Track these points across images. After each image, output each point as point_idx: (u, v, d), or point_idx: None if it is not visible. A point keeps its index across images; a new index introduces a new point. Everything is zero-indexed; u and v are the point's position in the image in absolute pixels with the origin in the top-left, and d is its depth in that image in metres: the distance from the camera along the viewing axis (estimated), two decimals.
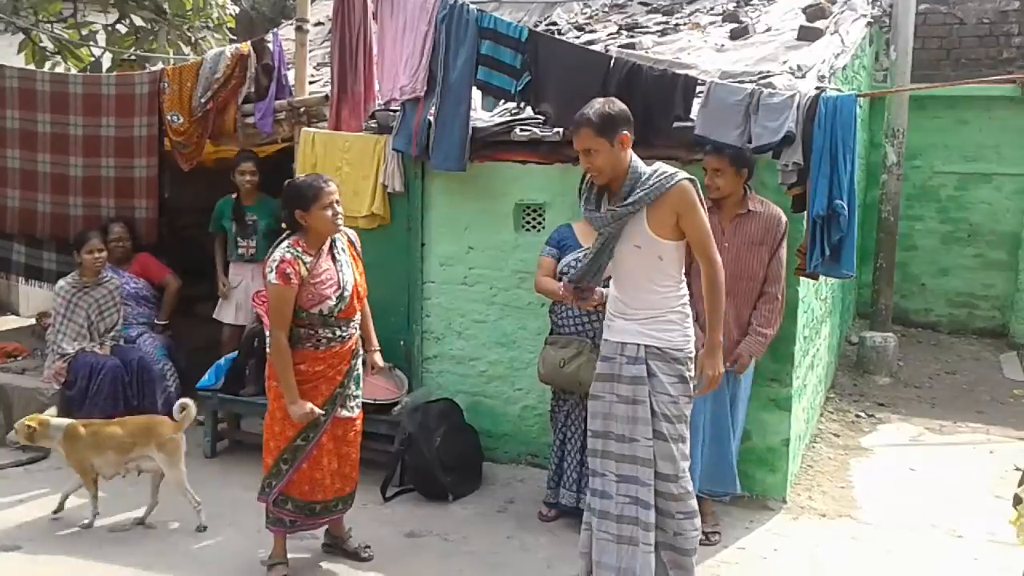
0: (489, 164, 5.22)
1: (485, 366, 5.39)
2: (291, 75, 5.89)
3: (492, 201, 5.28)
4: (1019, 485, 3.74)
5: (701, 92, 4.57)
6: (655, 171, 3.39)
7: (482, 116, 5.29)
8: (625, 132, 3.39)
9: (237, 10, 8.90)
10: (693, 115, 4.52)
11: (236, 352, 5.51)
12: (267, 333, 5.17)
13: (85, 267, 5.56)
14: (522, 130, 5.07)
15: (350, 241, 4.03)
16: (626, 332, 3.50)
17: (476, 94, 5.20)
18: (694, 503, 3.54)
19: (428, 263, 5.47)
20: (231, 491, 4.95)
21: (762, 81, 4.84)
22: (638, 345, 3.46)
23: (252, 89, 5.90)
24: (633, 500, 3.49)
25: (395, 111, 5.31)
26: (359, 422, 4.08)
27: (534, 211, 5.27)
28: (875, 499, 4.98)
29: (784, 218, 4.40)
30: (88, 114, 6.17)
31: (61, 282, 5.62)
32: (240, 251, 6.05)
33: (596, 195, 3.53)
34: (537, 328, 5.10)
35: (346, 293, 3.83)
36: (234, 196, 6.13)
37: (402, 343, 5.44)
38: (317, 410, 3.78)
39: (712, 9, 7.39)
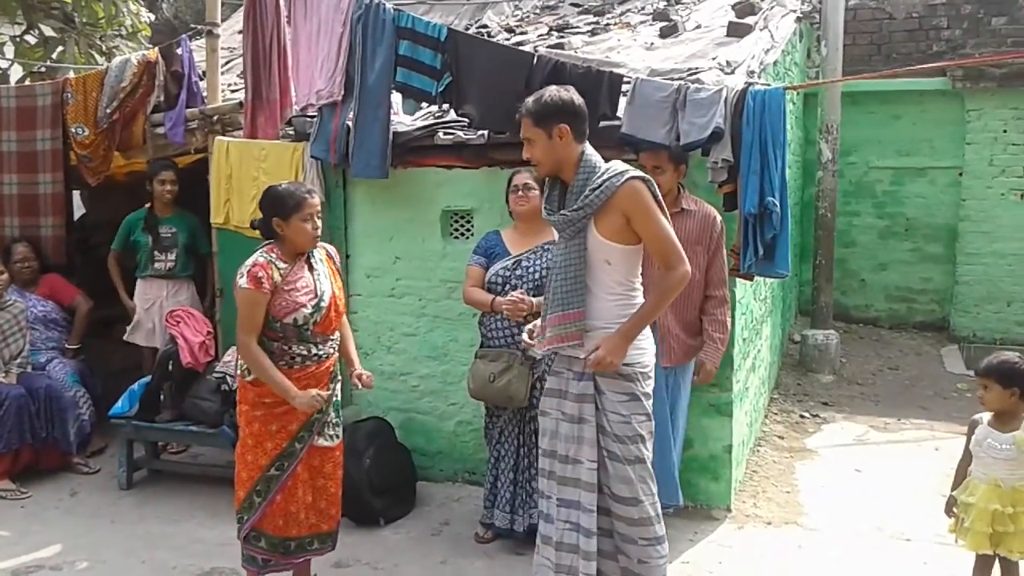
0: (413, 170, 5.00)
1: (417, 381, 5.15)
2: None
3: (418, 208, 5.06)
4: (952, 489, 3.65)
5: (628, 90, 4.41)
6: (607, 169, 3.17)
7: (404, 120, 5.08)
8: (563, 124, 3.16)
9: (152, 18, 8.54)
10: (620, 113, 4.36)
11: (150, 377, 5.19)
12: (181, 354, 4.96)
13: None
14: (445, 134, 4.86)
15: (328, 255, 3.77)
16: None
17: (396, 97, 4.98)
18: (660, 529, 3.27)
19: (354, 275, 5.22)
20: (146, 525, 4.64)
21: (690, 77, 4.71)
22: (585, 359, 3.21)
23: (162, 98, 5.61)
24: (574, 527, 3.25)
25: (312, 117, 5.07)
26: (339, 453, 3.75)
27: (462, 218, 5.06)
28: (821, 503, 4.86)
29: (719, 217, 4.26)
30: None
31: None
32: (157, 265, 5.72)
33: (558, 194, 3.30)
34: (469, 340, 4.88)
35: (323, 303, 3.54)
36: (147, 207, 5.81)
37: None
38: (322, 394, 3.47)
39: (643, 9, 7.29)
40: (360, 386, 3.78)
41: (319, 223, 3.57)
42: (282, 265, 3.50)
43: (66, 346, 5.71)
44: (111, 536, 4.49)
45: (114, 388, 5.44)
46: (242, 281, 3.43)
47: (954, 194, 8.75)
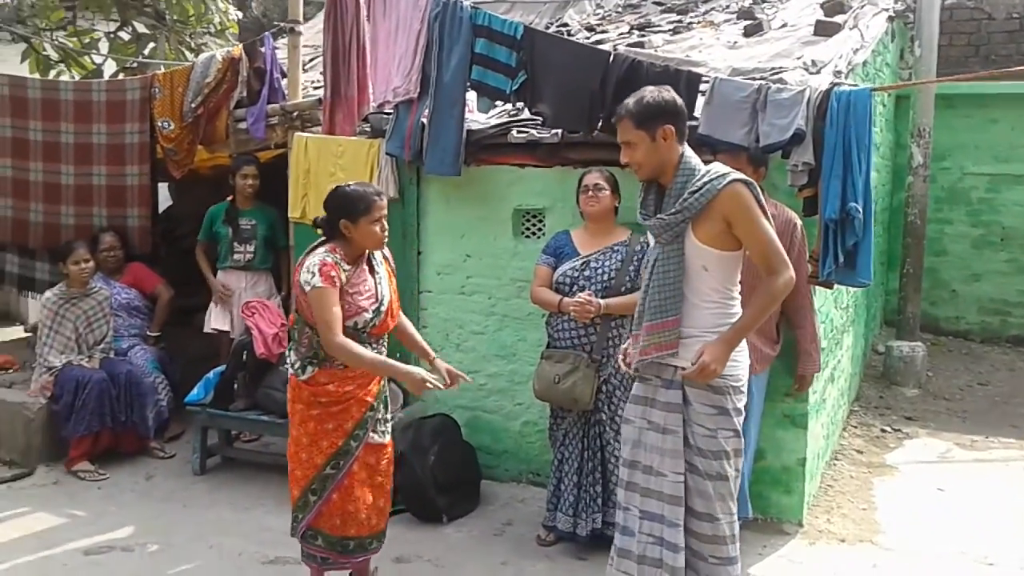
0: (486, 168, 4.98)
1: (484, 379, 5.13)
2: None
3: (489, 206, 5.04)
4: None
5: (706, 90, 4.30)
6: (707, 171, 3.06)
7: (478, 118, 5.06)
8: (668, 125, 3.04)
9: (241, 16, 8.74)
10: (697, 113, 4.25)
11: (225, 366, 5.29)
12: (255, 345, 5.04)
13: (72, 278, 5.41)
14: (519, 132, 4.83)
15: (385, 257, 3.72)
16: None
17: (471, 95, 4.97)
18: (734, 550, 3.12)
19: (424, 272, 5.23)
20: (217, 511, 4.73)
21: (773, 77, 4.57)
22: (675, 368, 3.10)
23: (244, 94, 5.72)
24: (657, 541, 3.13)
25: (389, 114, 5.10)
26: (391, 449, 3.71)
27: (533, 216, 5.02)
28: (899, 522, 4.66)
29: (799, 222, 4.12)
30: (79, 121, 6.00)
31: (48, 293, 5.47)
32: (236, 256, 5.84)
33: (655, 197, 3.18)
34: (537, 340, 4.83)
35: (382, 307, 3.52)
36: (228, 200, 5.95)
37: (397, 355, 5.17)
38: (432, 375, 3.39)
39: (728, 7, 7.13)
40: (451, 381, 3.60)
41: (387, 225, 3.53)
42: (347, 267, 3.45)
43: (147, 333, 5.89)
44: (182, 520, 4.59)
45: (192, 375, 5.56)
46: (316, 280, 3.33)
47: None
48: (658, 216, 3.09)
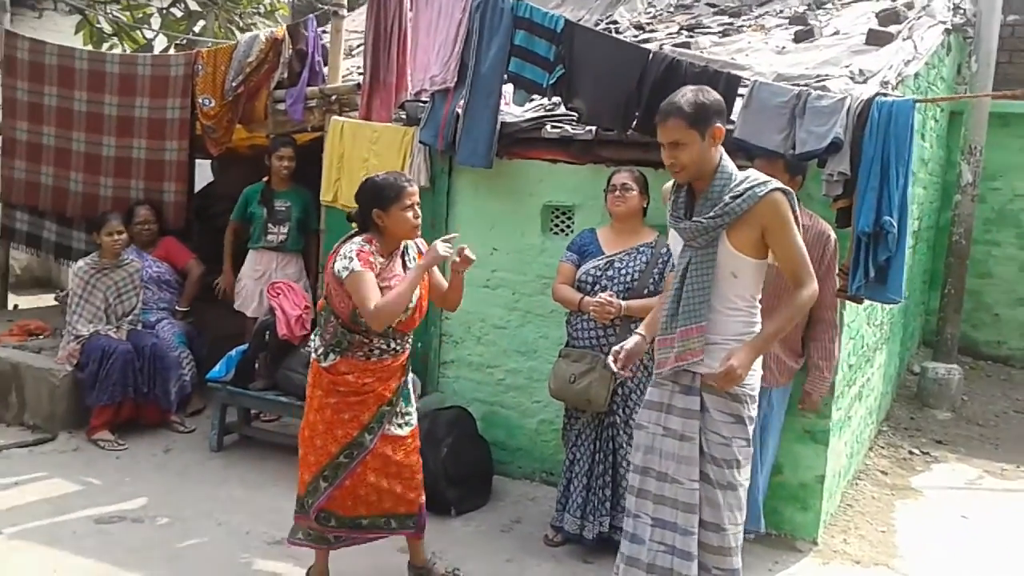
0: (517, 162, 4.94)
1: (503, 374, 5.10)
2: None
3: (519, 201, 4.99)
4: None
5: (745, 93, 4.21)
6: (747, 176, 3.00)
7: (513, 111, 5.02)
8: (719, 125, 2.97)
9: None
10: (734, 117, 4.16)
11: (247, 345, 5.32)
12: (278, 326, 5.06)
13: (104, 249, 5.47)
14: (553, 127, 4.79)
15: (420, 251, 3.66)
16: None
17: (508, 87, 4.93)
18: (738, 561, 3.09)
19: (451, 263, 5.19)
20: (228, 488, 4.76)
21: (817, 84, 4.46)
22: (694, 374, 3.06)
23: (285, 75, 5.74)
24: (669, 549, 3.08)
25: (425, 102, 5.08)
26: (412, 439, 3.68)
27: (563, 213, 4.97)
28: (918, 548, 4.53)
29: (834, 235, 4.02)
30: (123, 94, 6.10)
31: (80, 263, 5.54)
32: (270, 237, 5.87)
33: (685, 200, 3.10)
34: (559, 338, 4.77)
35: (411, 304, 3.46)
36: (264, 181, 5.97)
37: (419, 345, 5.17)
38: (449, 247, 3.40)
39: (781, 12, 7.00)
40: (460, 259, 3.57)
41: (419, 212, 3.49)
42: (380, 259, 3.44)
43: (176, 308, 5.94)
44: (194, 495, 4.63)
45: (219, 352, 5.58)
46: (354, 265, 3.32)
47: None
48: (695, 219, 3.00)
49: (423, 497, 3.74)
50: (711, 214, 2.96)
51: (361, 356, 3.47)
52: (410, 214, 3.44)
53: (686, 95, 2.97)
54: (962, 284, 7.30)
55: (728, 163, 3.04)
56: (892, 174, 3.71)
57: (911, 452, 6.03)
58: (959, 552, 4.52)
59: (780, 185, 2.97)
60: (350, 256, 3.35)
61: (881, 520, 4.86)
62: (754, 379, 3.07)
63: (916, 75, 5.42)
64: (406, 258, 3.58)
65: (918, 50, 5.44)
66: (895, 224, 3.70)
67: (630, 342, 3.33)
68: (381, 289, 3.37)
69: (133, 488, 4.66)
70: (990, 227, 8.52)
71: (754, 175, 3.01)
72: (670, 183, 3.24)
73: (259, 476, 4.94)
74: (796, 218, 2.99)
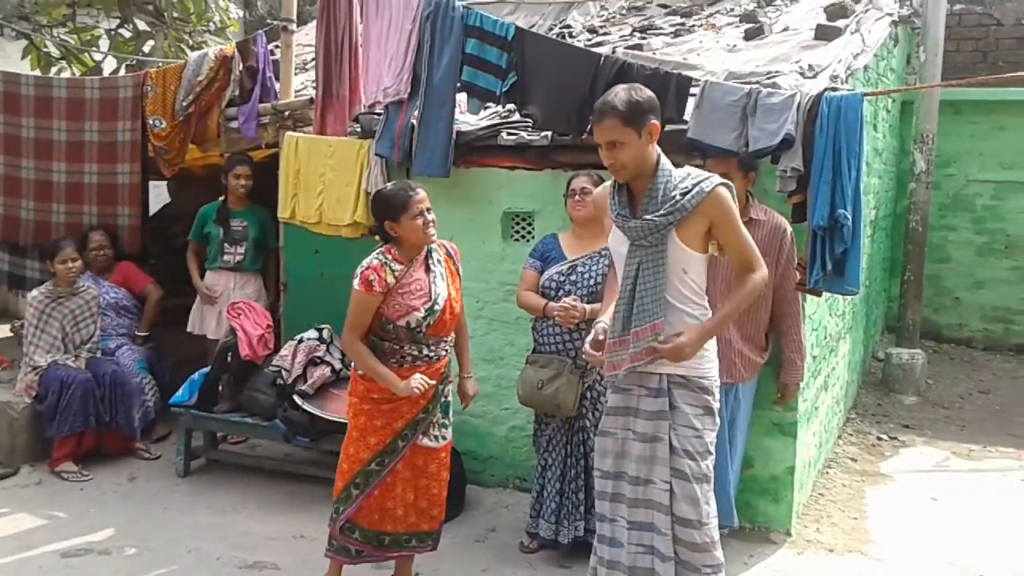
0: (475, 170, 4.92)
1: None
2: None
3: (479, 209, 4.98)
4: None
5: (696, 93, 4.23)
6: (688, 173, 3.02)
7: (468, 119, 5.00)
8: (654, 121, 2.97)
9: (241, 14, 8.72)
10: (687, 117, 4.18)
11: (209, 367, 5.25)
12: (240, 346, 5.00)
13: (59, 277, 5.37)
14: (509, 134, 4.78)
15: (448, 255, 3.73)
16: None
17: (461, 96, 4.92)
18: (721, 555, 3.08)
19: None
20: (196, 514, 4.69)
21: (767, 81, 4.50)
22: (660, 375, 3.06)
23: (236, 92, 5.69)
24: (648, 550, 3.08)
25: (379, 114, 5.04)
26: (444, 454, 3.72)
27: (523, 220, 4.97)
28: (890, 532, 4.58)
29: (789, 229, 4.07)
30: (72, 119, 6.00)
31: (34, 292, 5.43)
32: (226, 257, 5.79)
33: (628, 200, 3.09)
34: (525, 344, 4.76)
35: (436, 306, 3.52)
36: (220, 200, 5.90)
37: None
38: (427, 380, 3.47)
39: (732, 10, 7.06)
40: (465, 399, 3.88)
41: (431, 218, 3.53)
42: (397, 267, 3.49)
43: (136, 333, 5.85)
44: (162, 523, 4.55)
45: (183, 376, 5.50)
46: (354, 283, 3.44)
47: None
48: (645, 218, 2.99)
49: (444, 514, 3.78)
50: (663, 212, 2.96)
51: (394, 363, 3.51)
52: (419, 221, 3.48)
53: (619, 94, 2.98)
54: (921, 270, 7.41)
55: (665, 160, 3.05)
56: (844, 167, 3.75)
57: (879, 438, 6.10)
58: (930, 534, 4.57)
59: (722, 179, 3.02)
60: (357, 273, 3.46)
61: (853, 507, 4.91)
62: (715, 369, 3.13)
63: (865, 68, 5.49)
64: (430, 261, 3.62)
65: (866, 43, 5.51)
66: (849, 216, 3.74)
67: (596, 332, 3.24)
68: (401, 294, 3.46)
69: (99, 519, 4.58)
70: (946, 213, 8.66)
71: (696, 171, 3.05)
72: (600, 188, 3.31)
73: (228, 500, 4.88)
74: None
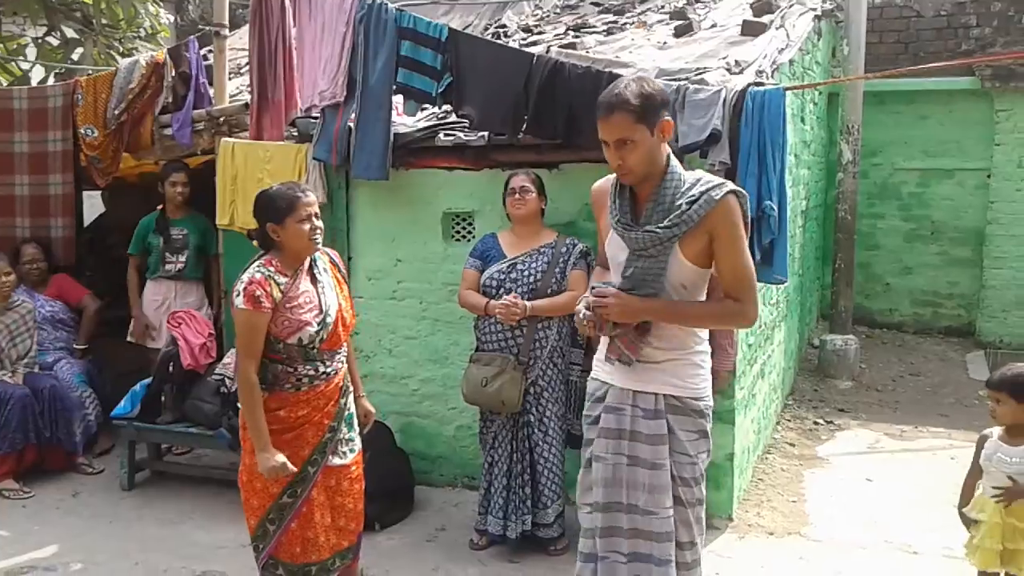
0: (414, 171, 4.96)
1: (417, 384, 5.11)
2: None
3: (419, 210, 5.02)
4: (960, 505, 3.54)
5: None
6: (699, 179, 2.71)
7: (405, 121, 5.03)
8: (667, 118, 2.66)
9: (172, 19, 8.61)
10: None
11: (152, 378, 5.20)
12: (182, 356, 4.96)
13: None
14: (446, 135, 4.82)
15: (332, 262, 3.48)
16: (641, 377, 2.80)
17: (398, 98, 4.95)
18: (701, 570, 2.99)
19: (356, 277, 5.18)
20: (143, 526, 4.65)
21: (695, 78, 4.61)
22: (656, 395, 2.78)
23: (169, 99, 5.63)
24: None
25: (316, 118, 5.04)
26: (356, 467, 3.50)
27: (463, 219, 5.01)
28: (827, 514, 4.74)
29: None
30: (0, 130, 5.86)
31: None
32: (167, 267, 5.69)
33: (631, 204, 2.77)
34: (470, 343, 4.79)
35: (329, 319, 3.26)
36: (159, 209, 5.83)
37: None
38: (290, 466, 3.18)
39: (662, 7, 7.20)
40: (369, 418, 3.70)
41: (319, 224, 3.27)
42: (282, 279, 3.21)
43: (74, 346, 5.74)
44: (108, 537, 4.50)
45: (125, 388, 5.41)
46: (238, 301, 3.13)
47: (982, 197, 8.55)
48: (648, 229, 2.68)
49: (362, 524, 3.61)
50: (667, 223, 2.66)
51: (290, 388, 3.26)
52: (307, 226, 3.21)
53: (630, 86, 2.65)
54: (852, 257, 7.65)
55: (676, 162, 2.76)
56: (769, 160, 3.88)
57: (816, 422, 6.29)
58: (865, 514, 4.74)
59: (735, 188, 2.72)
60: (239, 290, 3.17)
61: (791, 491, 5.06)
62: (710, 390, 2.90)
63: (791, 62, 5.66)
64: (315, 270, 3.36)
65: (791, 38, 5.68)
66: (775, 207, 3.88)
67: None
68: (289, 309, 3.19)
69: (43, 536, 4.51)
70: (874, 201, 8.94)
71: (706, 176, 2.76)
72: (600, 182, 2.95)
73: (174, 512, 4.84)
74: (746, 225, 2.74)
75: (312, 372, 3.29)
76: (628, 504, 2.83)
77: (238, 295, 3.16)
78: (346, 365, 3.51)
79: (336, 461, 3.41)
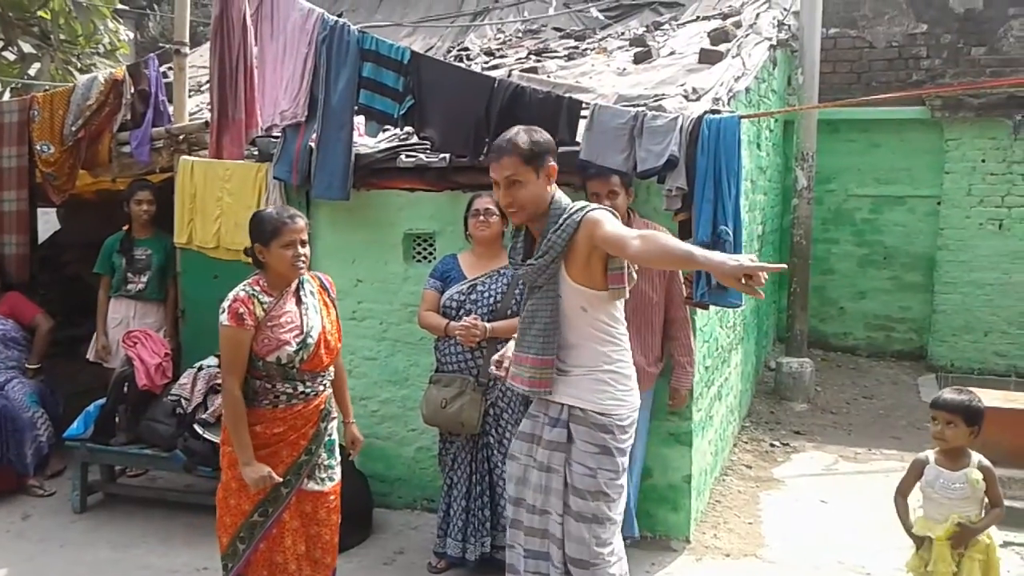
0: (375, 192, 4.97)
1: (377, 406, 5.10)
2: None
3: (380, 231, 5.02)
4: (905, 527, 3.61)
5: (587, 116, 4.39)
6: (567, 208, 2.97)
7: (367, 142, 5.05)
8: (552, 163, 2.97)
9: (131, 36, 8.55)
10: (579, 139, 4.33)
11: (106, 398, 5.11)
12: (137, 376, 4.90)
13: None
14: (407, 156, 4.84)
15: (322, 286, 3.56)
16: (555, 389, 3.03)
17: (360, 119, 4.96)
18: None
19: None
20: (95, 550, 4.56)
21: (654, 104, 4.69)
22: (562, 405, 3.03)
23: (128, 116, 5.59)
24: None
25: (276, 138, 5.04)
26: (334, 497, 3.51)
27: (424, 240, 5.03)
28: (783, 535, 4.79)
29: None
30: None
31: None
32: (129, 287, 5.61)
33: (524, 244, 3.09)
34: (429, 365, 4.78)
35: (310, 340, 3.33)
36: (124, 229, 5.75)
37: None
38: (276, 476, 3.26)
39: (623, 34, 7.33)
40: (357, 445, 3.75)
41: (305, 250, 3.36)
42: (266, 299, 3.31)
43: (26, 366, 5.62)
44: (57, 561, 4.41)
45: (79, 408, 5.32)
46: (223, 317, 3.24)
47: (932, 223, 8.74)
48: (527, 263, 3.01)
49: (336, 558, 3.61)
50: (539, 253, 2.95)
51: (268, 405, 3.33)
52: (290, 253, 3.31)
53: (519, 133, 2.98)
54: (807, 282, 7.78)
55: (562, 199, 3.01)
56: (724, 186, 3.96)
57: (772, 445, 6.36)
58: (820, 534, 4.80)
59: (599, 206, 2.97)
60: (224, 307, 3.27)
61: (748, 512, 5.11)
62: (623, 408, 3.02)
63: (747, 90, 5.77)
64: (301, 292, 3.43)
65: (747, 66, 5.80)
66: (731, 232, 3.95)
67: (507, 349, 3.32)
68: (270, 327, 3.28)
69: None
70: (828, 226, 9.10)
71: (576, 204, 2.98)
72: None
73: (127, 535, 4.76)
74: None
75: (290, 391, 3.36)
76: (530, 504, 3.09)
77: (223, 312, 3.28)
78: (330, 389, 3.57)
79: (312, 486, 3.44)
